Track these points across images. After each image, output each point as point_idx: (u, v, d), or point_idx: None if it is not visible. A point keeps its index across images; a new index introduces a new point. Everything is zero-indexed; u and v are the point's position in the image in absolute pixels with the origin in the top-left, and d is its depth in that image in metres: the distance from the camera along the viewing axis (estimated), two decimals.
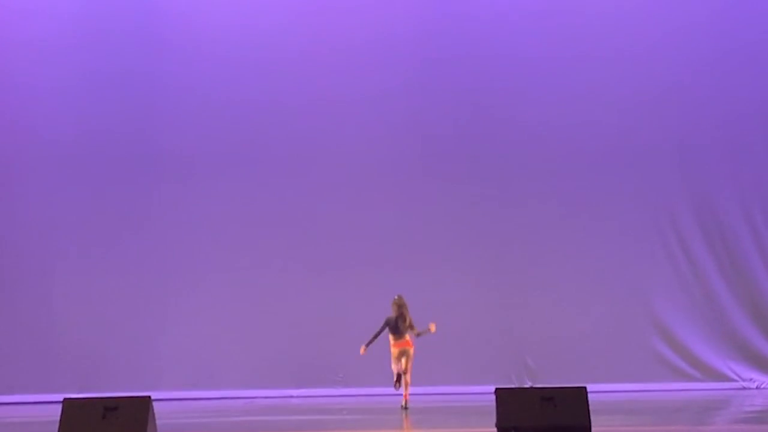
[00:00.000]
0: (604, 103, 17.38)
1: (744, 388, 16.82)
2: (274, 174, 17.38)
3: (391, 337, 14.20)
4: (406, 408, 14.18)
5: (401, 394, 14.31)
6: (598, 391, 12.28)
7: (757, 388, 16.86)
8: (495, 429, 8.80)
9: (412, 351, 14.18)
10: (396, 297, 14.26)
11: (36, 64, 17.49)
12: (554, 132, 17.34)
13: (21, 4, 17.61)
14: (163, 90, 17.50)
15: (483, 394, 12.78)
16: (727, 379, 17.02)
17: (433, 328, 14.14)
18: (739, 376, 17.02)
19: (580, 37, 17.45)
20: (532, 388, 8.39)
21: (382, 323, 14.13)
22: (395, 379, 14.27)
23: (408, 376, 14.20)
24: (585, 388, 8.93)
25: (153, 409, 8.91)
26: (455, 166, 17.39)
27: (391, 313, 14.17)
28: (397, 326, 14.13)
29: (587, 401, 8.79)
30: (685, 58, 17.43)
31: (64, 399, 9.00)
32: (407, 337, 14.15)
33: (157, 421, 9.10)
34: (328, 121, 17.42)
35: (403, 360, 14.16)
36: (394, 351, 14.18)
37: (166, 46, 17.55)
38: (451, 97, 17.49)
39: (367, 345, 14.06)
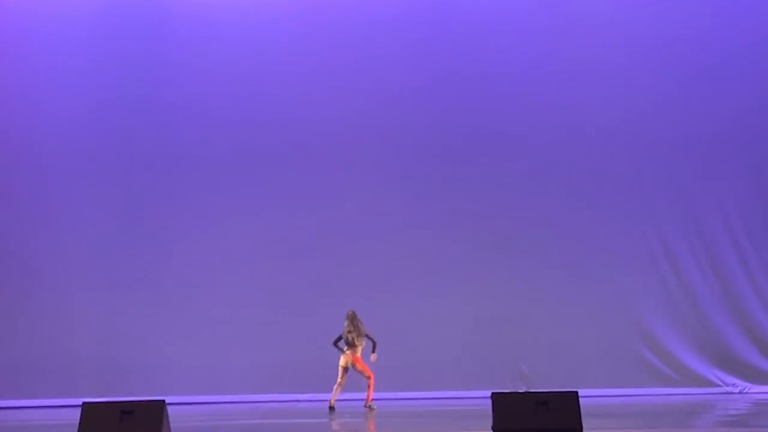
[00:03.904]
0: (594, 122, 17.37)
1: (728, 393, 16.78)
2: (283, 185, 17.39)
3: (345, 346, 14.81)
4: (371, 408, 14.67)
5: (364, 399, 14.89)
6: (588, 396, 12.25)
7: (740, 392, 16.82)
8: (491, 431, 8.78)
9: (358, 365, 14.72)
10: (349, 312, 14.79)
11: (52, 72, 17.52)
12: (547, 150, 17.33)
13: (38, 12, 17.66)
14: (173, 100, 17.50)
15: (479, 398, 12.79)
16: (711, 384, 16.97)
17: (373, 358, 14.70)
18: (723, 382, 16.99)
19: (573, 60, 17.46)
20: (526, 392, 8.36)
21: (336, 337, 14.80)
22: (332, 403, 14.81)
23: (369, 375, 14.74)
24: (577, 392, 8.92)
25: (167, 413, 8.90)
26: (450, 182, 17.39)
27: (345, 327, 14.75)
28: (349, 339, 14.70)
29: (579, 405, 8.78)
30: (670, 81, 17.43)
31: (83, 403, 8.99)
32: (358, 351, 14.70)
33: (171, 424, 9.08)
34: (332, 131, 17.41)
35: (351, 369, 14.76)
36: (343, 360, 14.73)
37: (176, 49, 17.56)
38: (445, 113, 17.50)
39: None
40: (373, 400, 14.86)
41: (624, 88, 17.38)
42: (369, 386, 14.77)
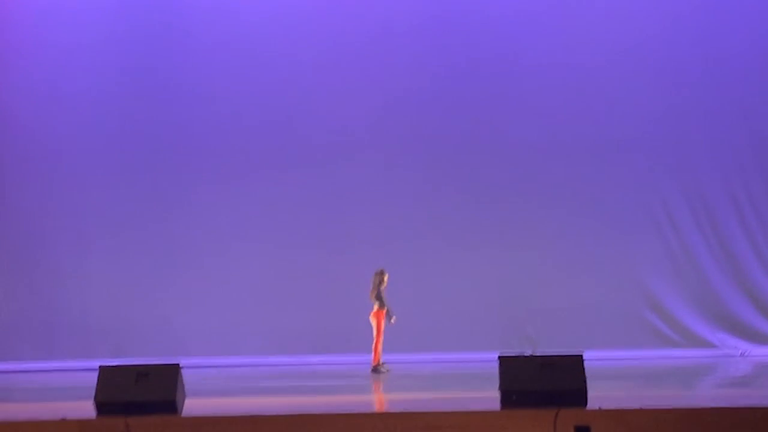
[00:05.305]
0: (599, 95, 17.38)
1: (729, 356, 16.78)
2: (300, 149, 17.44)
3: None
4: (377, 370, 14.58)
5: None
6: (593, 358, 12.28)
7: (741, 355, 16.82)
8: (497, 392, 8.80)
9: (372, 321, 14.70)
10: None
11: (67, 67, 17.61)
12: (556, 120, 17.35)
13: (47, 9, 17.65)
14: (186, 87, 17.58)
15: (486, 360, 12.81)
16: (713, 346, 16.99)
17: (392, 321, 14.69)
18: (725, 344, 16.99)
19: (575, 35, 17.42)
20: (532, 354, 8.38)
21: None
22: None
23: (374, 342, 14.66)
24: (582, 354, 8.93)
25: (182, 375, 8.93)
26: (463, 150, 17.39)
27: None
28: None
29: (583, 367, 8.78)
30: (672, 50, 17.37)
31: (100, 366, 9.02)
32: (374, 308, 14.67)
33: (185, 386, 9.12)
34: (344, 115, 17.46)
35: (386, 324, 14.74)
36: None
37: (187, 46, 17.61)
38: (461, 87, 17.49)
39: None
40: (382, 363, 14.82)
41: (629, 59, 17.31)
42: (373, 348, 14.75)
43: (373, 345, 14.75)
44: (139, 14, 17.65)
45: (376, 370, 14.73)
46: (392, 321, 14.71)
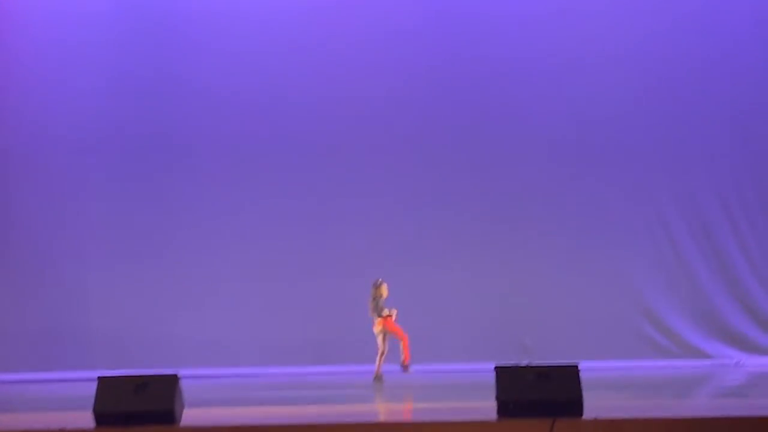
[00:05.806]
0: (596, 102, 17.40)
1: (724, 366, 16.79)
2: (298, 159, 17.49)
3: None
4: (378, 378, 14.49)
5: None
6: (589, 368, 12.28)
7: (735, 365, 16.84)
8: (494, 403, 8.80)
9: (378, 332, 14.43)
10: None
11: (71, 67, 17.62)
12: (549, 129, 17.39)
13: (49, 9, 17.69)
14: (188, 91, 17.60)
15: (483, 371, 12.86)
16: (708, 356, 17.01)
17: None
18: (720, 354, 17.01)
19: (570, 43, 17.46)
20: (528, 365, 8.39)
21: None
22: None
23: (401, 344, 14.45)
24: (578, 365, 8.93)
25: (181, 386, 8.93)
26: (457, 159, 17.44)
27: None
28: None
29: (579, 377, 8.80)
30: (668, 60, 17.42)
31: (99, 377, 9.02)
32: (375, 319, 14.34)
33: (185, 396, 9.11)
34: (341, 120, 17.51)
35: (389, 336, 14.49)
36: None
37: (189, 52, 17.62)
38: (455, 94, 17.53)
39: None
40: (381, 373, 14.79)
41: (624, 68, 17.37)
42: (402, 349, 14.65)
43: (401, 346, 14.57)
44: (141, 16, 17.67)
45: (405, 368, 14.55)
46: (393, 314, 14.44)
